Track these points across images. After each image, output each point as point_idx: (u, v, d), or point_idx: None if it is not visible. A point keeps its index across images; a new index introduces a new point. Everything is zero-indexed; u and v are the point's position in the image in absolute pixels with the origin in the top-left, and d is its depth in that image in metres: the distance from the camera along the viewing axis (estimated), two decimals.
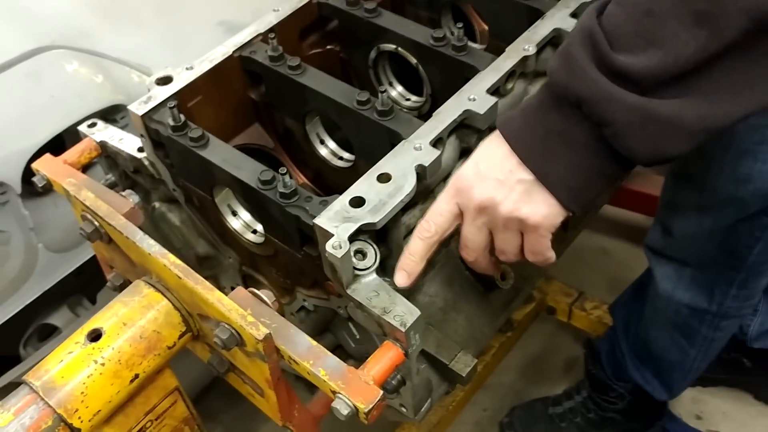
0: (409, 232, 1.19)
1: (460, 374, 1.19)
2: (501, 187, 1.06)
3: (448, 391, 1.25)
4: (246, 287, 1.32)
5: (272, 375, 1.13)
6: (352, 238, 1.09)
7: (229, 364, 1.23)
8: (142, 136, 1.34)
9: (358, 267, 1.11)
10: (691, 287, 1.76)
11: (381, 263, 1.13)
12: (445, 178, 1.26)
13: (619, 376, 2.12)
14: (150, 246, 1.18)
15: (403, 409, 1.22)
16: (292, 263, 1.24)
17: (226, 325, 1.10)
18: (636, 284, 2.10)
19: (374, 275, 1.12)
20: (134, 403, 1.21)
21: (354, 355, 1.39)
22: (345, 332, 1.35)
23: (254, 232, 1.33)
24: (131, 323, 1.17)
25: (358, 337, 1.33)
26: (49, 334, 1.93)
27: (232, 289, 1.49)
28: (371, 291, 1.10)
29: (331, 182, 1.50)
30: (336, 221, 1.09)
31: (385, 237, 1.17)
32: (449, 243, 1.30)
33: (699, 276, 1.74)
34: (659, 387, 2.02)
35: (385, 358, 1.08)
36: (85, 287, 1.93)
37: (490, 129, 1.16)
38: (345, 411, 1.04)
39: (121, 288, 1.35)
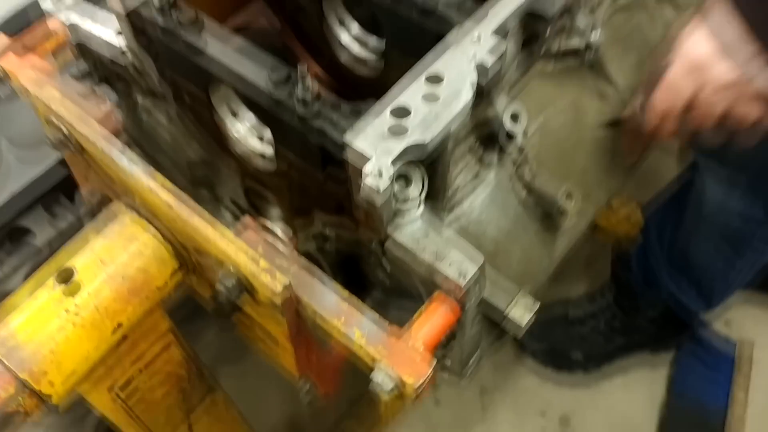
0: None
1: (518, 323, 0.94)
2: (748, 64, 0.97)
3: (498, 339, 1.01)
4: (249, 203, 1.05)
5: (291, 330, 0.88)
6: (396, 161, 0.81)
7: (234, 307, 0.97)
8: (119, 18, 1.02)
9: (401, 197, 0.84)
10: (746, 195, 1.52)
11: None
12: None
13: (650, 284, 1.90)
14: (131, 163, 0.89)
15: (448, 362, 0.98)
16: (310, 184, 0.96)
17: (232, 270, 0.84)
18: (672, 188, 1.84)
19: (423, 209, 0.85)
20: (118, 353, 0.96)
21: (381, 287, 1.14)
22: (373, 261, 1.09)
23: (261, 139, 1.04)
24: (110, 260, 0.90)
25: (389, 270, 1.07)
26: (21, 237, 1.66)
27: (233, 204, 1.21)
28: (418, 230, 0.84)
29: (351, 81, 1.19)
30: (374, 139, 0.81)
31: (428, 164, 0.89)
32: (502, 157, 1.02)
33: (756, 184, 1.49)
34: (696, 298, 1.81)
35: (436, 315, 0.82)
36: (62, 184, 1.65)
37: None
38: (388, 387, 0.79)
39: (99, 208, 1.07)
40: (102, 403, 0.99)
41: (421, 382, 0.78)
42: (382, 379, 0.79)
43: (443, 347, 0.91)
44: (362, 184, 0.78)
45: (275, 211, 1.11)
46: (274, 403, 1.90)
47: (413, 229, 0.83)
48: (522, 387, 2.08)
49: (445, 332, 0.82)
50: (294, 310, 0.84)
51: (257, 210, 1.14)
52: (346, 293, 0.83)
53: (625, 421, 2.02)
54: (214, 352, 2.01)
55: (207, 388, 1.15)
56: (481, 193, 0.99)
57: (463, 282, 0.79)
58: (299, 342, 0.92)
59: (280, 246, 0.85)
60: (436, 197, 0.94)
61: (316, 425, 1.87)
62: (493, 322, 0.98)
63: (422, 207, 0.84)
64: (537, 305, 0.94)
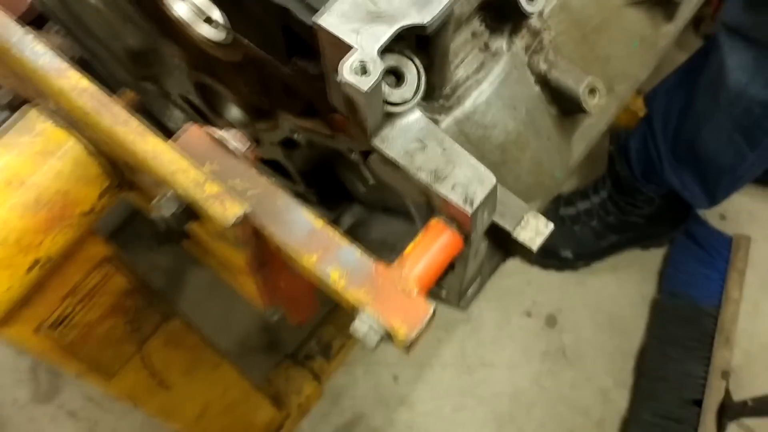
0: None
1: (528, 247, 0.77)
2: None
3: (502, 262, 0.84)
4: (203, 100, 0.85)
5: (252, 263, 0.70)
6: (384, 51, 0.61)
7: (181, 234, 0.78)
8: None
9: (391, 100, 0.64)
10: None
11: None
12: None
13: (650, 178, 1.74)
14: (38, 55, 0.68)
15: (443, 292, 0.82)
16: (273, 78, 0.76)
17: (171, 194, 0.64)
18: (683, 71, 1.64)
19: (418, 113, 0.65)
20: (44, 288, 0.78)
21: (362, 201, 0.96)
22: (352, 174, 0.90)
23: (210, 22, 0.82)
24: (21, 180, 0.70)
25: (372, 182, 0.88)
26: None
27: (185, 101, 1.00)
28: (413, 142, 0.64)
29: None
30: (355, 22, 0.60)
31: (425, 45, 0.68)
32: (513, 43, 0.82)
33: None
34: (700, 193, 1.65)
35: (433, 249, 0.64)
36: None
37: None
38: (373, 340, 0.62)
39: (12, 110, 0.85)
40: (30, 344, 0.82)
41: (415, 333, 0.61)
42: (366, 331, 0.62)
43: (439, 279, 0.74)
44: (340, 82, 0.58)
45: (235, 112, 0.90)
46: (245, 313, 1.75)
47: (406, 140, 0.64)
48: (506, 286, 1.95)
49: (444, 268, 0.65)
50: (254, 243, 0.66)
51: (213, 109, 0.94)
52: (320, 222, 0.64)
53: (613, 320, 1.92)
54: (174, 262, 1.85)
55: (161, 317, 0.98)
56: (487, 90, 0.79)
57: (469, 209, 0.61)
58: (264, 273, 0.74)
59: (237, 158, 0.66)
60: (431, 96, 0.74)
61: (291, 334, 1.74)
62: (497, 244, 0.81)
63: (418, 112, 0.65)
64: (550, 227, 0.77)
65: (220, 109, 0.91)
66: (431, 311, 0.62)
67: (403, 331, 0.61)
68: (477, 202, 0.61)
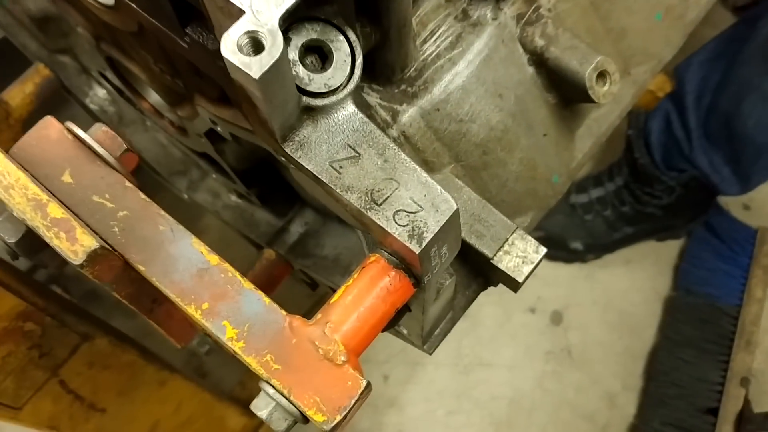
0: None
1: (512, 277, 0.58)
2: None
3: (478, 292, 0.64)
4: (119, 77, 0.66)
5: (137, 306, 0.51)
6: (298, 20, 0.41)
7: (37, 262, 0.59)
8: None
9: (311, 89, 0.44)
10: None
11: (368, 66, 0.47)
12: None
13: (672, 164, 1.52)
14: None
15: (404, 331, 0.62)
16: (177, 55, 0.56)
17: (9, 215, 0.45)
18: (723, 39, 1.42)
19: (351, 108, 0.45)
20: None
21: (314, 206, 0.76)
22: (289, 175, 0.70)
23: None
24: None
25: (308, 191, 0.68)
26: None
27: (102, 76, 0.81)
28: (342, 148, 0.45)
29: None
30: None
31: (375, 10, 0.48)
32: (499, 10, 0.61)
33: None
34: (731, 177, 1.43)
35: (370, 297, 0.45)
36: None
37: None
38: (281, 422, 0.43)
39: None
40: None
41: (339, 416, 0.42)
42: (271, 412, 0.43)
43: (390, 324, 0.55)
44: (229, 66, 0.39)
45: (153, 94, 0.71)
46: None
47: (333, 147, 0.44)
48: None
49: (387, 320, 0.46)
50: (127, 282, 0.47)
51: (133, 90, 0.74)
52: (215, 258, 0.45)
53: (624, 318, 1.71)
54: None
55: (79, 338, 0.80)
56: (464, 71, 0.59)
57: (417, 248, 0.42)
58: (163, 311, 0.55)
59: (106, 168, 0.46)
60: (389, 79, 0.55)
61: None
62: (475, 269, 0.62)
63: (351, 106, 0.45)
64: (541, 253, 0.57)
65: (141, 90, 0.72)
66: (362, 387, 0.43)
67: (320, 416, 0.42)
68: (428, 237, 0.42)
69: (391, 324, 0.52)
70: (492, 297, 1.70)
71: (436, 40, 0.59)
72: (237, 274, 0.46)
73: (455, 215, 0.42)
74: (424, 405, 1.64)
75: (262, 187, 0.75)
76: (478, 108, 0.60)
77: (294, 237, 0.76)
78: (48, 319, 0.74)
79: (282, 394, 0.42)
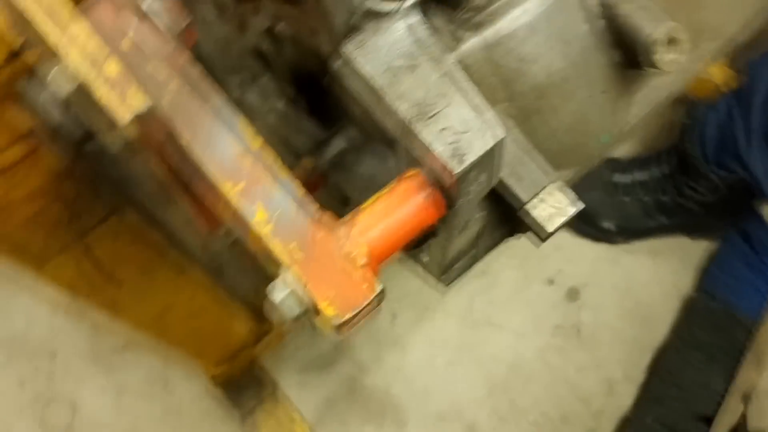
0: None
1: (542, 226, 0.58)
2: None
3: (502, 240, 0.64)
4: None
5: (171, 183, 0.52)
6: None
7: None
8: None
9: None
10: None
11: None
12: None
13: (723, 162, 1.49)
14: None
15: (424, 257, 0.63)
16: None
17: (65, 73, 0.46)
18: None
19: (417, 17, 0.45)
20: None
21: (359, 126, 0.76)
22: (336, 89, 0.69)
23: None
24: None
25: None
26: None
27: None
28: (401, 56, 0.45)
29: None
30: None
31: None
32: None
33: None
34: None
35: (401, 210, 0.46)
36: None
37: None
38: (293, 309, 0.45)
39: None
40: None
41: (347, 315, 0.43)
42: (284, 299, 0.44)
43: (416, 245, 0.56)
44: None
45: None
46: None
47: (392, 54, 0.44)
48: (531, 246, 1.75)
49: (412, 236, 0.47)
50: (167, 154, 0.48)
51: None
52: (258, 143, 0.46)
53: (640, 308, 1.71)
54: None
55: (111, 208, 0.83)
56: (533, 9, 0.58)
57: (457, 167, 0.42)
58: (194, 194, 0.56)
59: (165, 39, 0.47)
60: (455, 2, 0.54)
61: None
62: (503, 213, 0.62)
63: (416, 14, 0.45)
64: (576, 207, 0.57)
65: None
66: (377, 292, 0.44)
67: (331, 310, 0.43)
68: (469, 160, 0.42)
69: (416, 245, 0.52)
70: (514, 260, 1.71)
71: None
72: (277, 161, 0.46)
73: (500, 144, 0.43)
74: (426, 350, 1.66)
75: (312, 96, 0.75)
76: (541, 50, 0.60)
77: (335, 150, 0.77)
78: (83, 185, 0.76)
79: (299, 282, 0.44)
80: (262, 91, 0.88)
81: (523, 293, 1.71)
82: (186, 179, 0.52)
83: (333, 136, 0.79)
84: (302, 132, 0.83)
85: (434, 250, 0.59)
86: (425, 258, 0.62)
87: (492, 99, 0.60)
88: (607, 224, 1.69)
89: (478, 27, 0.57)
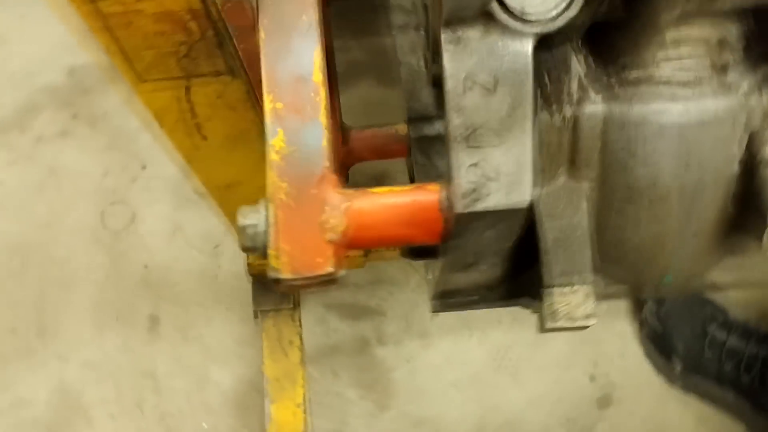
0: None
1: (543, 317, 0.54)
2: None
3: (498, 303, 0.60)
4: None
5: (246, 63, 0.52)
6: None
7: None
8: None
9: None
10: None
11: None
12: None
13: None
14: None
15: (429, 275, 0.60)
16: None
17: None
18: None
19: (529, 45, 0.41)
20: None
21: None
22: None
23: None
24: None
25: None
26: None
27: None
28: (487, 71, 0.41)
29: None
30: None
31: None
32: (751, 88, 0.53)
33: None
34: None
35: (401, 213, 0.43)
36: None
37: None
38: (252, 237, 0.44)
39: None
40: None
41: (286, 276, 0.42)
42: (247, 226, 0.43)
43: (414, 256, 0.53)
44: None
45: None
46: None
47: (480, 63, 0.41)
48: (596, 333, 1.66)
49: (396, 244, 0.44)
50: (244, 31, 0.47)
51: None
52: (320, 77, 0.45)
53: None
54: None
55: (226, 68, 0.84)
56: (676, 116, 0.52)
57: (461, 207, 0.39)
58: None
59: None
60: (608, 58, 0.50)
61: None
62: (518, 276, 0.58)
63: (530, 44, 0.41)
64: (587, 322, 0.52)
65: None
66: (326, 272, 0.42)
67: (276, 263, 0.42)
68: (477, 207, 0.39)
69: (414, 256, 0.50)
70: (573, 336, 1.64)
71: (676, 66, 0.52)
72: (325, 104, 0.45)
73: (519, 211, 0.39)
74: (443, 360, 1.63)
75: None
76: (658, 158, 0.54)
77: (431, 132, 0.74)
78: (211, 33, 0.78)
79: (269, 220, 0.42)
80: (412, 41, 0.86)
81: (561, 371, 1.63)
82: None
83: (438, 117, 0.77)
84: (419, 98, 0.81)
85: (436, 271, 0.56)
86: (430, 274, 0.60)
87: (583, 173, 0.55)
88: (677, 362, 1.57)
89: (612, 97, 0.52)
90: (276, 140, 0.44)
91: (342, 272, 0.41)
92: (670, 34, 0.51)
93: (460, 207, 0.38)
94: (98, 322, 1.64)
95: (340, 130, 0.71)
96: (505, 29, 0.40)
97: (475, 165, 0.39)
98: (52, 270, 1.69)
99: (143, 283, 1.67)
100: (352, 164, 0.73)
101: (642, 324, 1.61)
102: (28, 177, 1.77)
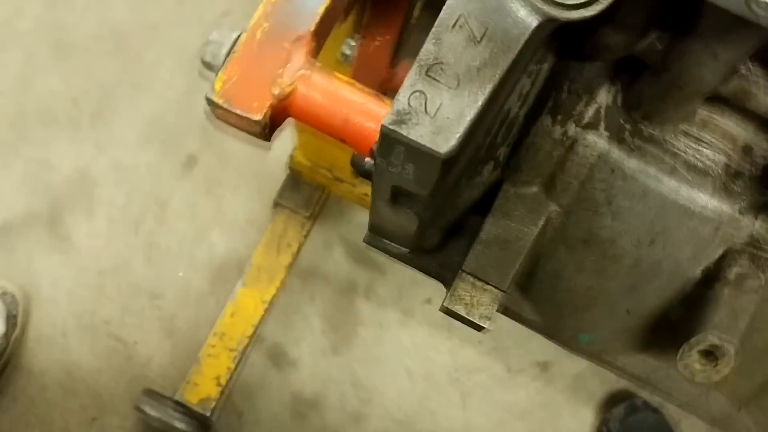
0: None
1: (447, 297, 0.53)
2: None
3: (435, 271, 0.59)
4: None
5: None
6: None
7: None
8: None
9: None
10: None
11: None
12: None
13: None
14: None
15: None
16: None
17: None
18: None
19: (534, 22, 0.40)
20: None
21: None
22: None
23: None
24: None
25: None
26: None
27: None
28: (479, 22, 0.40)
29: None
30: None
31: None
32: (753, 212, 0.50)
33: None
34: None
35: (349, 110, 0.44)
36: None
37: None
38: (206, 55, 0.45)
39: None
40: None
41: (219, 102, 0.43)
42: (211, 41, 0.44)
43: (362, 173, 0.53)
44: None
45: None
46: None
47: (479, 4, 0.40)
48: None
49: (330, 135, 0.45)
50: None
51: None
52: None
53: None
54: None
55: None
56: (662, 191, 0.50)
57: (384, 125, 0.39)
58: None
59: None
60: (631, 103, 0.48)
61: None
62: (449, 253, 0.58)
63: (535, 21, 0.40)
64: (480, 323, 0.52)
65: None
66: (255, 119, 0.43)
67: (218, 85, 0.43)
68: (395, 134, 0.38)
69: (356, 168, 0.50)
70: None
71: (693, 146, 0.50)
72: None
73: (435, 158, 0.39)
74: (409, 345, 1.64)
75: None
76: (630, 219, 0.52)
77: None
78: None
79: (232, 49, 0.44)
80: None
81: (510, 418, 1.62)
82: None
83: None
84: None
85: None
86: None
87: (558, 192, 0.54)
88: None
89: (619, 139, 0.51)
90: None
91: None
92: (702, 114, 0.49)
93: (385, 121, 0.38)
94: (146, 135, 1.72)
95: (393, 51, 0.72)
96: None
97: (421, 93, 0.39)
98: (136, 69, 1.76)
99: (202, 125, 1.73)
100: (390, 90, 0.73)
101: (603, 422, 1.58)
102: None
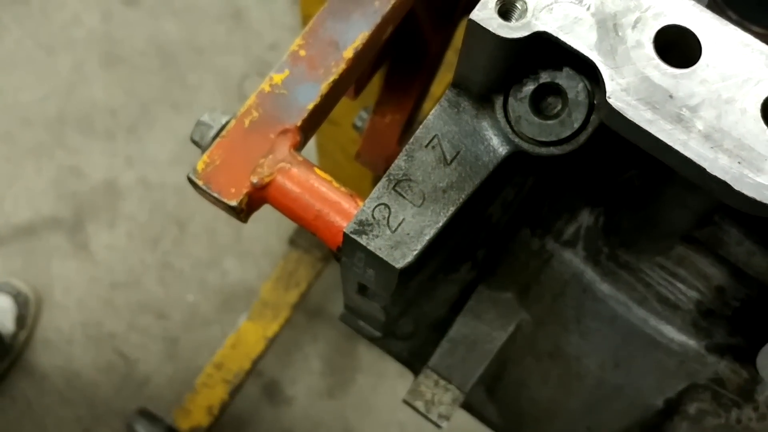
0: None
1: (408, 392, 0.54)
2: None
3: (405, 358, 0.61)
4: None
5: None
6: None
7: None
8: None
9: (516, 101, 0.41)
10: None
11: None
12: None
13: None
14: None
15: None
16: None
17: None
18: None
19: (503, 150, 0.41)
20: None
21: None
22: None
23: None
24: None
25: None
26: None
27: None
28: (455, 139, 0.42)
29: None
30: None
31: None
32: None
33: None
34: None
35: (324, 207, 0.45)
36: None
37: None
38: (196, 135, 0.48)
39: None
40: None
41: (198, 182, 0.45)
42: (202, 123, 0.47)
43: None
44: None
45: None
46: None
47: (458, 132, 0.42)
48: None
49: (304, 226, 0.46)
50: None
51: None
52: (352, 52, 0.47)
53: None
54: None
55: None
56: (634, 320, 0.51)
57: (347, 231, 0.40)
58: None
59: None
60: (608, 231, 0.49)
61: None
62: (419, 352, 0.59)
63: (504, 150, 0.41)
64: (437, 422, 0.53)
65: None
66: (230, 204, 0.45)
67: (201, 166, 0.45)
68: (356, 242, 0.40)
69: (334, 254, 0.52)
70: None
71: (667, 280, 0.51)
72: (336, 78, 0.48)
73: (391, 271, 0.40)
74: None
75: None
76: (596, 341, 0.53)
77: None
78: None
79: (220, 132, 0.46)
80: None
81: None
82: None
83: None
84: None
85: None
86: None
87: (531, 297, 0.55)
88: None
89: (598, 264, 0.52)
90: (278, 76, 0.47)
91: None
92: (679, 249, 0.49)
93: (347, 229, 0.40)
94: (176, 155, 1.76)
95: (402, 129, 0.74)
96: (495, 123, 0.41)
97: (386, 206, 0.40)
98: (177, 89, 1.82)
99: None
100: None
101: None
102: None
